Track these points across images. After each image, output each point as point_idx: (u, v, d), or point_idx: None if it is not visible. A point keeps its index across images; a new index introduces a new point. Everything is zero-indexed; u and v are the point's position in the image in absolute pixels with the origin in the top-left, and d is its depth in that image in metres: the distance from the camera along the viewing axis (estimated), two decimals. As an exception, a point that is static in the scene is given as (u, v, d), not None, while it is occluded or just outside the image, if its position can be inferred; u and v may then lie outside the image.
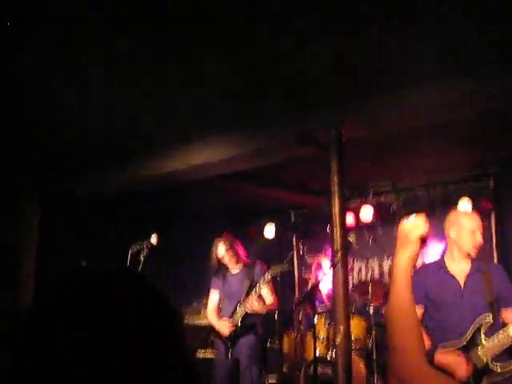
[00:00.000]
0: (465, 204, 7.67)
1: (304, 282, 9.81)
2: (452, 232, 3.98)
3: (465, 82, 4.40)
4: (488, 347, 3.65)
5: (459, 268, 3.96)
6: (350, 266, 9.35)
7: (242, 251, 5.82)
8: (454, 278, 3.95)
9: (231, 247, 5.66)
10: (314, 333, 4.55)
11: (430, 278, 4.02)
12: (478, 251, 3.94)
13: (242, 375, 5.55)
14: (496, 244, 8.06)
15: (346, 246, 3.87)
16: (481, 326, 3.72)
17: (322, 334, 7.63)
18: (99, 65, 4.12)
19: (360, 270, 9.46)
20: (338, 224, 4.72)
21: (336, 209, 4.77)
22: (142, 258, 4.46)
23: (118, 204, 7.81)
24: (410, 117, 4.85)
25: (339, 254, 4.07)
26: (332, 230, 4.72)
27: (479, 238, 3.92)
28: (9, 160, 6.30)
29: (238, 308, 5.54)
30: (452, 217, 4.11)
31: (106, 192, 7.28)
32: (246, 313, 5.46)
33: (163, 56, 4.09)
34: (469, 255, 3.91)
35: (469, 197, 7.70)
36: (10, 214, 6.95)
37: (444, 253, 4.14)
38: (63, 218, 7.02)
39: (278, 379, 8.39)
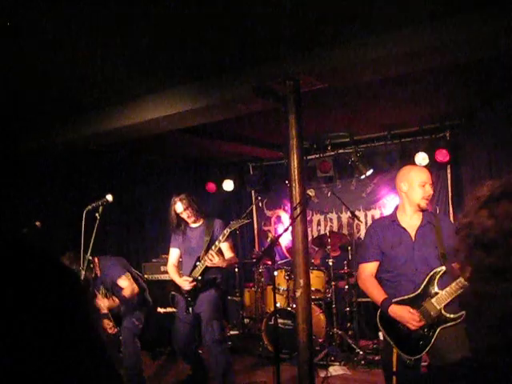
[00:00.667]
0: (422, 157, 7.75)
1: (264, 235, 9.88)
2: (403, 186, 4.06)
3: (424, 33, 4.33)
4: (441, 297, 3.78)
5: (411, 221, 4.08)
6: (309, 218, 9.45)
7: (200, 207, 5.77)
8: (406, 231, 4.05)
9: (189, 205, 5.61)
10: (274, 286, 4.54)
11: (383, 232, 4.13)
12: (428, 202, 4.02)
13: (203, 330, 5.59)
14: (451, 194, 8.21)
15: (305, 201, 3.84)
16: (434, 277, 3.83)
17: (282, 287, 7.72)
18: (57, 17, 3.91)
19: (319, 222, 9.54)
20: (296, 178, 4.68)
21: (295, 163, 4.73)
22: (97, 216, 4.37)
23: (73, 162, 7.65)
24: (368, 69, 4.76)
25: (298, 209, 4.04)
26: (291, 185, 4.69)
27: (429, 190, 4.00)
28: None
29: (197, 263, 5.53)
30: (403, 171, 4.17)
31: (60, 149, 7.10)
32: (206, 267, 5.45)
33: (116, 5, 3.91)
34: (419, 206, 3.99)
35: (426, 149, 7.78)
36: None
37: (397, 207, 4.21)
38: (16, 177, 6.83)
39: (240, 332, 8.52)
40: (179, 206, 5.59)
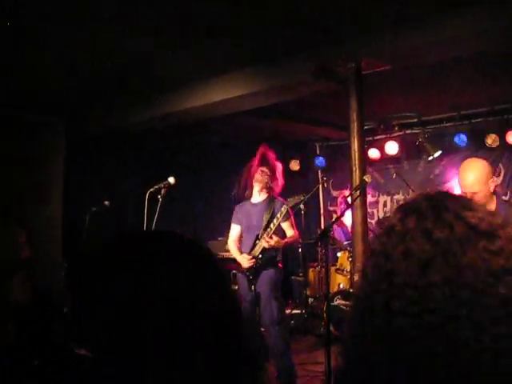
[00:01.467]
0: (492, 138, 7.52)
1: (329, 215, 9.84)
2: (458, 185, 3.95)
3: (491, 14, 4.20)
4: None
5: None
6: (375, 200, 9.35)
7: (278, 184, 5.76)
8: None
9: (274, 172, 5.62)
10: (326, 269, 4.54)
11: None
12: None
13: (262, 308, 5.60)
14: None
15: (362, 186, 3.83)
16: None
17: (346, 268, 7.70)
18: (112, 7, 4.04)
19: (385, 203, 9.43)
20: (357, 162, 4.66)
21: (355, 146, 4.71)
22: (160, 198, 4.50)
23: (138, 143, 7.84)
24: (431, 50, 4.67)
25: (357, 193, 4.04)
26: (351, 169, 4.67)
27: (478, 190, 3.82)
28: (33, 99, 6.34)
29: (256, 242, 5.55)
30: (459, 170, 4.02)
31: (127, 130, 7.29)
32: (265, 247, 5.47)
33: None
34: None
35: (496, 130, 7.54)
36: (37, 153, 7.02)
37: None
38: (86, 156, 7.08)
39: (303, 311, 8.56)
40: (263, 171, 5.58)
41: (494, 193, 3.93)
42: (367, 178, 3.85)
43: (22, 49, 4.82)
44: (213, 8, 4.13)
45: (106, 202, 5.89)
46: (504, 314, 0.74)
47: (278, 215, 5.39)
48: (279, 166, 5.69)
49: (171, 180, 4.58)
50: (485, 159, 7.81)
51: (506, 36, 4.40)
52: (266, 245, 5.40)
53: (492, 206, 3.91)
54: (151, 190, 4.55)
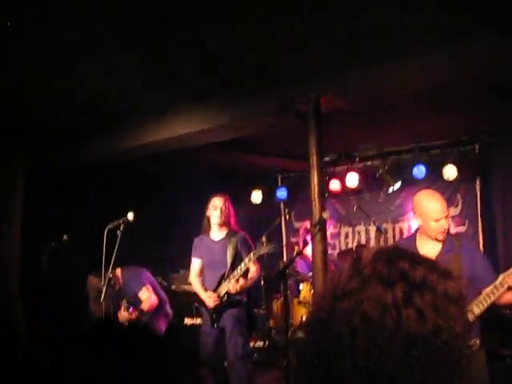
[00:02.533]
0: (450, 170, 7.66)
1: (292, 246, 9.84)
2: (418, 217, 3.97)
3: (450, 51, 4.31)
4: None
5: (430, 249, 3.96)
6: (337, 231, 9.41)
7: (233, 215, 5.74)
8: None
9: (226, 206, 5.59)
10: (285, 301, 4.53)
11: None
12: (445, 234, 3.91)
13: (227, 344, 5.57)
14: (480, 209, 8.08)
15: (322, 222, 3.85)
16: None
17: (308, 300, 7.70)
18: (78, 38, 4.01)
19: (347, 235, 9.49)
20: (316, 196, 4.69)
21: (315, 180, 4.74)
22: (119, 234, 4.46)
23: (96, 176, 7.76)
24: (391, 90, 4.77)
25: (317, 228, 4.05)
26: (311, 202, 4.70)
27: (444, 225, 3.87)
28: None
29: (222, 282, 5.50)
30: (417, 199, 4.05)
31: (84, 163, 7.23)
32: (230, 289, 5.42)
33: (137, 28, 3.98)
34: (436, 239, 3.90)
35: (454, 162, 7.68)
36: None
37: (417, 230, 4.12)
38: (44, 189, 6.96)
39: (266, 344, 8.50)
40: (218, 202, 5.56)
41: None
42: (325, 215, 3.87)
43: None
44: (176, 43, 4.15)
45: (66, 237, 5.80)
46: None
47: (246, 261, 5.33)
48: (227, 198, 5.67)
49: (130, 216, 4.55)
50: (443, 190, 8.05)
51: (464, 70, 4.52)
52: (232, 290, 5.36)
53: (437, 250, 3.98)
54: (110, 226, 4.51)
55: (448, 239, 3.96)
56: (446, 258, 3.89)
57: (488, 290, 3.59)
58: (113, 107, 5.70)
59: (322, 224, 3.85)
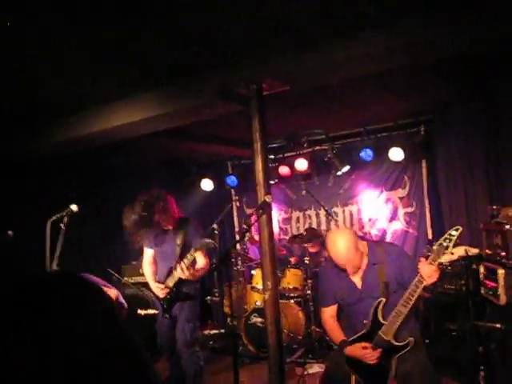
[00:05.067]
0: (396, 152, 7.78)
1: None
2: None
3: (387, 34, 4.35)
4: (385, 328, 3.86)
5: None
6: (288, 216, 9.48)
7: (173, 207, 5.61)
8: (352, 281, 4.21)
9: (163, 206, 5.46)
10: (220, 286, 4.56)
11: (334, 282, 4.33)
12: (356, 269, 4.14)
13: (176, 330, 5.57)
14: (427, 190, 8.24)
15: (264, 206, 3.86)
16: (377, 309, 3.90)
17: (260, 286, 7.73)
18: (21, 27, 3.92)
19: (298, 219, 9.57)
20: (261, 182, 4.70)
21: (259, 166, 4.75)
22: (62, 226, 4.39)
23: (41, 169, 7.61)
24: (332, 71, 4.79)
25: (260, 211, 4.07)
26: (256, 188, 4.71)
27: (350, 267, 4.10)
28: None
29: (172, 272, 5.48)
30: (327, 241, 4.29)
31: (28, 156, 7.09)
32: (180, 278, 5.39)
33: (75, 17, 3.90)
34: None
35: (401, 144, 7.81)
36: None
37: None
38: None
39: (220, 330, 8.55)
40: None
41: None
42: (268, 199, 3.90)
43: None
44: (112, 32, 4.09)
45: (10, 232, 5.66)
46: None
47: (192, 251, 5.27)
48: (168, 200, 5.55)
49: (74, 207, 4.48)
50: (390, 173, 8.18)
51: (408, 53, 4.57)
52: (182, 275, 5.31)
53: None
54: (53, 218, 4.43)
55: (371, 250, 4.18)
56: (371, 272, 4.07)
57: (410, 289, 3.73)
58: (53, 99, 5.58)
59: (265, 207, 3.87)
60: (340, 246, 4.08)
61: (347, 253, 4.05)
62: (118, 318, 1.13)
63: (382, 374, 3.89)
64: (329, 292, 4.34)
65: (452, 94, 6.84)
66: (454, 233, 3.63)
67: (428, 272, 3.60)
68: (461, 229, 3.64)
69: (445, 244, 3.61)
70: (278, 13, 3.95)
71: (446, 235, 3.66)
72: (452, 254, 3.96)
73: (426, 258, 3.72)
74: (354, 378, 4.05)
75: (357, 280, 4.16)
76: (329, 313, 4.35)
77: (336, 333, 4.25)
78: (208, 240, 5.37)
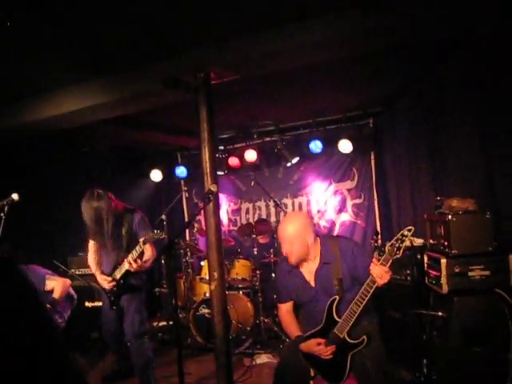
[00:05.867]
0: (344, 144, 7.85)
1: (192, 224, 9.80)
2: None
3: (334, 22, 4.35)
4: (340, 325, 3.86)
5: (309, 267, 4.19)
6: (238, 207, 9.47)
7: (114, 202, 5.48)
8: (305, 279, 4.19)
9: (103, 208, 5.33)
10: (169, 277, 4.53)
11: (289, 279, 4.28)
12: (297, 258, 4.12)
13: (124, 322, 5.50)
14: (375, 181, 8.35)
15: (210, 194, 3.83)
16: (331, 307, 3.92)
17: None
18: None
19: (247, 211, 9.58)
20: (208, 172, 4.67)
21: (206, 156, 4.72)
22: (2, 216, 4.26)
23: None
24: (278, 59, 4.76)
25: (207, 201, 4.03)
26: (203, 178, 4.68)
27: (286, 248, 4.09)
28: None
29: (118, 265, 5.40)
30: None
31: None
32: (128, 270, 5.31)
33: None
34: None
35: (349, 136, 7.88)
36: None
37: None
38: None
39: (169, 322, 8.49)
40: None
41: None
42: (213, 188, 3.86)
43: None
44: (63, 21, 4.00)
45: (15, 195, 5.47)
46: None
47: (141, 244, 5.17)
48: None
49: (15, 196, 4.36)
50: (339, 165, 8.25)
51: (356, 44, 4.60)
52: (129, 267, 5.22)
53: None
54: (-7, 208, 4.31)
55: (324, 247, 4.14)
56: (324, 272, 4.06)
57: (362, 289, 3.74)
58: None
59: (210, 197, 3.83)
60: (286, 223, 4.08)
61: (289, 232, 4.01)
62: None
63: (338, 368, 3.89)
64: (283, 289, 4.33)
65: (400, 87, 6.92)
66: (406, 233, 3.62)
67: (379, 273, 3.58)
68: (413, 229, 3.63)
69: (397, 244, 3.60)
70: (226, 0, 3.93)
71: (399, 235, 3.63)
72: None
73: (379, 257, 3.70)
74: (312, 369, 4.07)
75: (310, 278, 4.14)
76: (284, 308, 4.35)
77: (292, 328, 4.25)
78: (156, 231, 5.29)
